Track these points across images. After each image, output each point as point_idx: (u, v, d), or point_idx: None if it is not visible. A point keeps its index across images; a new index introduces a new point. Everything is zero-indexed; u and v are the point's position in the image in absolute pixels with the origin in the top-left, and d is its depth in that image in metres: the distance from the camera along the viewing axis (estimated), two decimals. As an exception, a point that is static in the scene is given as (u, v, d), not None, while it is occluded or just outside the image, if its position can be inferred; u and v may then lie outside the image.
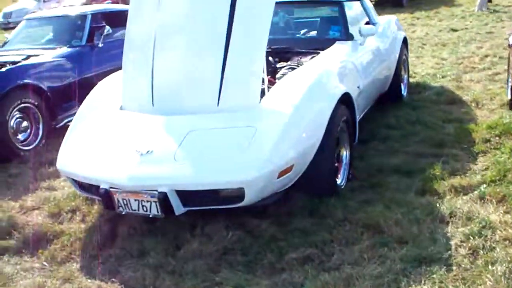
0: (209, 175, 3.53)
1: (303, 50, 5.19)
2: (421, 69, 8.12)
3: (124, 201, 3.68)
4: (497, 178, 4.22)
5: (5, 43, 7.53)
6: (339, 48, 5.08)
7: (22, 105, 5.92)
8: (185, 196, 3.59)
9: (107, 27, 7.09)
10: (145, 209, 3.65)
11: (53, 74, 6.40)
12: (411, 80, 7.32)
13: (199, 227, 3.81)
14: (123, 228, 3.95)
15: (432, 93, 6.83)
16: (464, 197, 4.03)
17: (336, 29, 5.45)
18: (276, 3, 4.14)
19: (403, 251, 3.37)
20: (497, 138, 5.06)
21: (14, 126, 5.87)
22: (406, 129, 5.58)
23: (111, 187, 3.69)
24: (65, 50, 6.75)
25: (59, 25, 7.35)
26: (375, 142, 5.26)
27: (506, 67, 7.58)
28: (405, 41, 6.77)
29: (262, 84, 4.13)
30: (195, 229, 3.81)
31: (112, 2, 16.83)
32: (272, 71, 4.83)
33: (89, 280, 3.46)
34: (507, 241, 3.38)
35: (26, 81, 6.01)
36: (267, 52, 4.29)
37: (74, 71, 6.65)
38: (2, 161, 5.71)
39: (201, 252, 3.55)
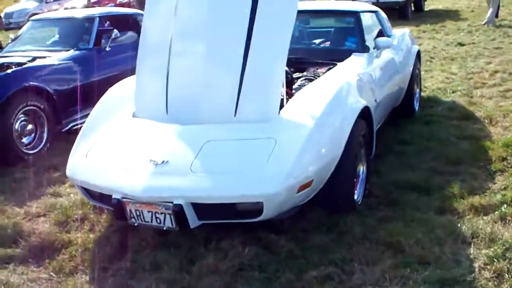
0: (228, 188, 3.40)
1: (319, 61, 5.09)
2: (431, 83, 8.03)
3: (137, 212, 3.56)
4: (518, 198, 4.12)
5: (10, 44, 7.40)
6: (356, 60, 4.97)
7: (28, 107, 5.78)
8: (201, 209, 3.47)
9: (115, 31, 6.97)
10: (158, 221, 3.52)
11: (60, 77, 6.27)
12: (421, 94, 7.22)
13: (214, 241, 3.68)
14: (134, 240, 3.82)
15: (444, 108, 6.73)
16: (485, 217, 3.92)
17: (353, 41, 5.35)
18: None
19: (426, 272, 3.25)
20: (514, 156, 4.97)
21: (19, 129, 5.73)
22: (420, 144, 5.48)
23: (123, 197, 3.56)
24: (72, 53, 6.62)
25: (66, 27, 7.23)
26: (390, 157, 5.15)
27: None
28: (418, 54, 6.68)
29: (281, 95, 4.02)
30: (209, 243, 3.67)
31: (115, 6, 16.78)
32: (288, 82, 4.72)
33: (99, 294, 3.34)
34: (533, 265, 3.27)
35: (32, 83, 5.87)
36: None
37: (80, 74, 6.52)
38: (6, 164, 5.56)
39: (216, 267, 3.42)
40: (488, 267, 3.32)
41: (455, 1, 20.48)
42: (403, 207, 4.14)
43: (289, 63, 5.02)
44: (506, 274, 3.23)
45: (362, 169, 4.26)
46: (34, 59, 6.39)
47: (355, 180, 4.09)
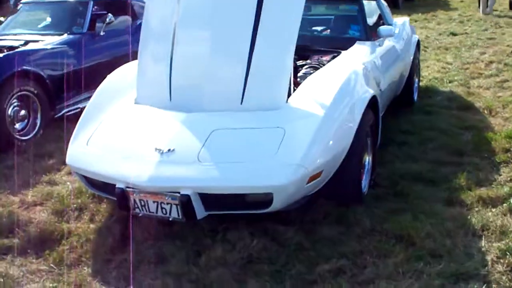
0: (237, 178, 3.30)
1: (323, 49, 4.98)
2: (427, 72, 7.97)
3: (142, 202, 3.44)
4: (525, 190, 4.08)
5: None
6: (361, 49, 4.88)
7: (21, 93, 5.62)
8: (208, 199, 3.37)
9: (110, 15, 6.80)
10: (164, 211, 3.41)
11: (53, 61, 6.09)
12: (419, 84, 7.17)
13: (220, 233, 3.58)
14: (137, 230, 3.69)
15: (443, 99, 6.69)
16: (494, 210, 3.88)
17: (356, 29, 5.26)
18: None
19: (440, 266, 3.19)
20: (517, 148, 4.93)
21: (12, 114, 5.57)
22: (422, 134, 5.42)
23: (127, 187, 3.44)
24: (65, 37, 6.44)
25: (58, 10, 7.02)
26: (393, 147, 5.07)
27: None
28: (418, 44, 6.61)
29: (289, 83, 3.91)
30: (216, 235, 3.58)
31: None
32: (293, 70, 4.62)
33: (103, 287, 3.22)
34: (546, 259, 3.23)
35: (25, 68, 5.70)
36: None
37: (74, 59, 6.35)
38: (-1, 151, 5.42)
39: (224, 260, 3.32)
40: (501, 260, 3.27)
41: (444, -9, 20.47)
42: (410, 198, 4.08)
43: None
44: (519, 268, 3.18)
45: (368, 159, 4.18)
46: (26, 43, 6.21)
47: (362, 170, 4.01)
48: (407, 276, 3.13)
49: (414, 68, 6.35)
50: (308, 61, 4.80)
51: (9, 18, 7.28)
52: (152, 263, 3.37)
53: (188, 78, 3.97)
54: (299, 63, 4.80)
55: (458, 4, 16.24)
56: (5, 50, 5.87)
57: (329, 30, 5.45)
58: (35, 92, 5.76)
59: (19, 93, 5.60)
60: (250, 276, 3.20)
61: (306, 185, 3.41)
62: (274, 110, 3.69)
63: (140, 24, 7.29)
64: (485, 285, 3.04)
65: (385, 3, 6.30)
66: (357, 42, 5.00)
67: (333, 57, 4.79)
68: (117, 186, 3.47)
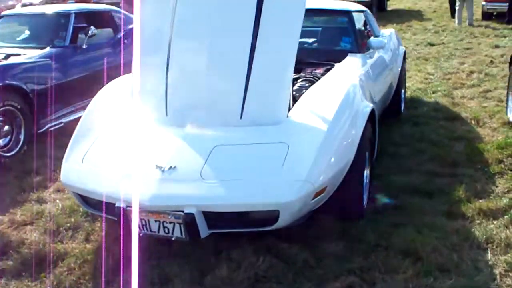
0: (242, 196, 3.23)
1: (315, 61, 4.94)
2: (410, 83, 8.00)
3: (143, 221, 3.35)
4: (524, 202, 4.09)
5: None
6: (354, 61, 4.85)
7: (4, 108, 5.46)
8: (212, 217, 3.28)
9: (92, 28, 6.67)
10: (166, 231, 3.32)
11: (36, 75, 5.92)
12: (403, 94, 7.20)
13: (224, 251, 3.49)
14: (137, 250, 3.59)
15: (429, 109, 6.71)
16: (495, 222, 3.87)
17: (347, 41, 5.23)
18: None
19: (450, 281, 3.16)
20: (509, 158, 4.94)
21: (-5, 130, 5.42)
22: (413, 146, 5.42)
23: (128, 206, 3.34)
24: (47, 50, 6.29)
25: (40, 23, 6.85)
26: (386, 159, 5.05)
27: (497, 85, 7.60)
28: (404, 55, 6.63)
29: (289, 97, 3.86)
30: (220, 254, 3.49)
31: (76, 2, 16.24)
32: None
33: (106, 310, 3.12)
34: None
35: (8, 82, 5.55)
36: None
37: (57, 73, 6.19)
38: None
39: (231, 280, 3.23)
40: (510, 274, 3.27)
41: (415, 1, 20.72)
42: (410, 211, 4.05)
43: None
44: (528, 281, 3.17)
45: (366, 173, 4.14)
46: (7, 56, 6.06)
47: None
48: (418, 292, 3.10)
49: (402, 79, 6.36)
50: (302, 74, 4.75)
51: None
52: (156, 284, 3.28)
53: (185, 92, 3.88)
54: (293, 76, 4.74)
55: (431, 15, 16.42)
56: (-14, 64, 5.71)
57: (319, 43, 5.41)
58: (19, 107, 5.60)
59: (2, 108, 5.43)
60: (258, 296, 3.12)
61: (311, 201, 3.36)
62: (275, 124, 3.63)
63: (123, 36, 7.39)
64: (496, 299, 3.02)
65: (372, 16, 6.29)
66: (349, 54, 4.98)
67: (326, 70, 4.76)
68: (116, 205, 3.36)
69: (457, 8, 13.87)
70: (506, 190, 4.38)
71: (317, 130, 3.52)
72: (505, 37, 11.76)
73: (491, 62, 9.26)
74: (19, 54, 6.13)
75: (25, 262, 3.60)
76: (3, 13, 7.18)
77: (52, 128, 6.02)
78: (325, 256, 3.47)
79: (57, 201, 4.53)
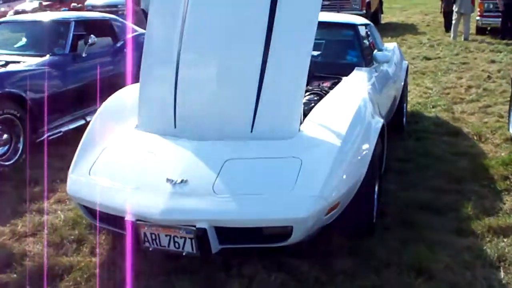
0: (256, 211, 3.17)
1: (322, 75, 4.90)
2: (410, 97, 7.95)
3: (153, 236, 3.27)
4: (533, 220, 4.06)
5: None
6: (361, 75, 4.82)
7: (4, 116, 5.37)
8: (224, 233, 3.22)
9: (92, 36, 6.60)
10: (177, 245, 3.25)
11: (36, 83, 5.84)
12: (403, 109, 7.18)
13: (234, 267, 3.43)
14: (144, 265, 3.52)
15: (430, 124, 6.69)
16: (506, 240, 3.84)
17: (354, 54, 5.21)
18: None
19: (464, 300, 3.13)
20: (515, 175, 4.94)
21: (-6, 139, 5.33)
22: (418, 161, 5.38)
23: (137, 220, 3.27)
24: (47, 58, 6.20)
25: (39, 31, 6.77)
26: (391, 175, 5.01)
27: (496, 100, 7.61)
28: (407, 69, 6.62)
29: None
30: (230, 270, 3.42)
31: (69, 10, 16.13)
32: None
33: (115, 326, 3.04)
34: None
35: (7, 90, 5.46)
36: None
37: (57, 81, 6.12)
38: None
39: (243, 297, 3.18)
40: (524, 293, 3.23)
41: (408, 15, 20.84)
42: (420, 228, 4.00)
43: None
44: (542, 301, 3.14)
45: (376, 188, 4.10)
46: (6, 63, 5.97)
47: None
48: (433, 311, 3.05)
49: (404, 94, 6.34)
50: (309, 87, 4.70)
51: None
52: (166, 300, 3.21)
53: (194, 104, 3.82)
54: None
55: (425, 28, 16.50)
56: (-15, 72, 5.62)
57: (325, 56, 5.37)
58: (18, 115, 5.51)
59: (1, 116, 5.35)
60: (272, 314, 3.06)
61: (325, 217, 3.31)
62: (287, 139, 3.58)
63: (122, 45, 7.34)
64: (512, 319, 2.98)
65: (376, 29, 6.28)
66: (356, 68, 4.94)
67: (334, 83, 4.72)
68: (126, 219, 3.29)
69: (453, 22, 13.96)
70: (514, 207, 4.35)
71: (330, 145, 3.47)
72: (500, 52, 11.81)
73: (489, 77, 9.28)
74: (18, 62, 6.04)
75: (29, 275, 3.51)
76: (1, 20, 7.08)
77: (51, 137, 5.93)
78: (337, 273, 3.42)
79: (59, 212, 4.46)
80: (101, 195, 3.48)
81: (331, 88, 4.63)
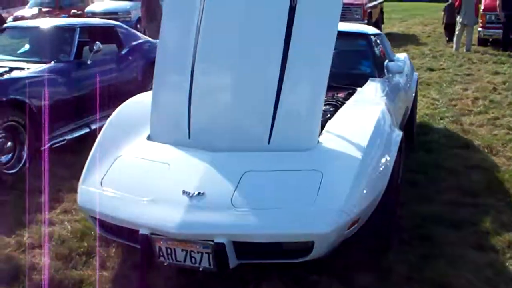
0: (276, 225, 3.05)
1: (336, 85, 4.80)
2: (417, 109, 7.91)
3: (168, 250, 3.16)
4: (553, 235, 3.98)
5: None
6: (376, 86, 4.72)
7: (8, 123, 5.25)
8: (242, 248, 3.11)
9: (98, 43, 6.49)
10: (193, 261, 3.13)
11: (41, 90, 5.72)
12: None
13: (252, 283, 3.32)
14: (157, 279, 3.40)
15: (439, 136, 6.59)
16: (527, 256, 3.75)
17: (367, 64, 5.13)
18: None
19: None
20: (530, 189, 4.86)
21: (-2, 146, 5.20)
22: (430, 174, 5.28)
23: (152, 233, 3.16)
24: (52, 65, 6.09)
25: (44, 37, 6.66)
26: (405, 187, 4.89)
27: (504, 112, 7.54)
28: (417, 80, 6.54)
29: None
30: (247, 285, 3.31)
31: (69, 17, 16.05)
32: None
33: None
34: None
35: (11, 96, 5.35)
36: None
37: (62, 88, 6.01)
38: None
39: (263, 314, 3.07)
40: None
41: (408, 25, 20.85)
42: (438, 242, 3.91)
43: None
44: None
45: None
46: (11, 70, 5.85)
47: (391, 214, 3.82)
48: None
49: (414, 105, 6.26)
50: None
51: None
52: (182, 317, 3.09)
53: (209, 114, 3.72)
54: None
55: (426, 39, 16.48)
56: (-10, 78, 5.50)
57: (338, 66, 5.25)
58: (22, 122, 5.40)
59: (6, 124, 5.23)
60: (293, 332, 2.95)
61: (346, 231, 3.20)
62: (306, 151, 3.48)
63: (127, 52, 7.24)
64: None
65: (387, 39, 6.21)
66: (370, 79, 4.85)
67: (349, 94, 4.63)
68: (140, 232, 3.18)
69: (456, 33, 13.92)
70: (532, 222, 4.26)
71: (351, 158, 3.37)
72: (503, 63, 11.75)
73: (494, 89, 9.21)
74: (22, 68, 5.93)
75: (38, 289, 3.40)
76: (6, 26, 6.97)
77: (55, 145, 5.81)
78: (358, 289, 3.32)
79: (66, 223, 4.33)
80: (114, 207, 3.36)
81: (346, 99, 4.53)
